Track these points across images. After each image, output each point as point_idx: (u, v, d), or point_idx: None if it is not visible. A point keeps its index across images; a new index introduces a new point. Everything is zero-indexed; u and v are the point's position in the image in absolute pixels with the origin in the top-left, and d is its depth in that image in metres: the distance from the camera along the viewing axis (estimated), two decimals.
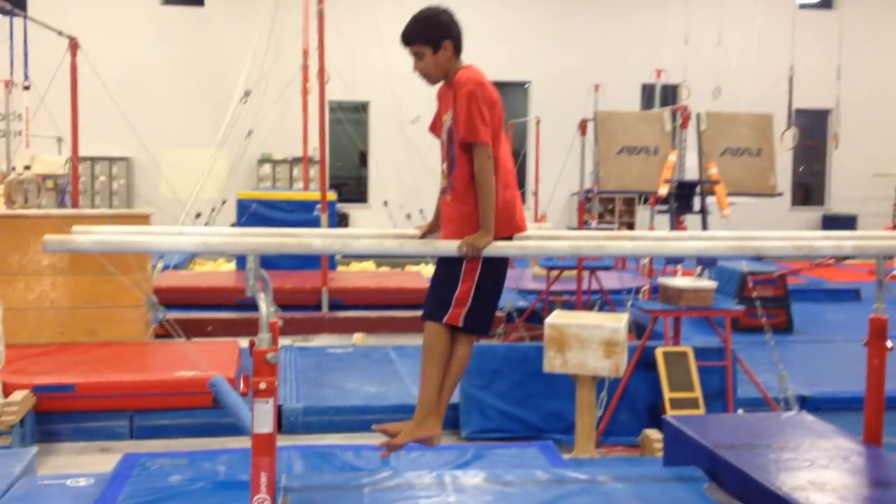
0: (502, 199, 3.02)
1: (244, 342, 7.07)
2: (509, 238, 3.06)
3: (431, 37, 3.03)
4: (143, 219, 6.97)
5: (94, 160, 15.40)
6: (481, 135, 2.94)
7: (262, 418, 2.71)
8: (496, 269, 3.08)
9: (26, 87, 7.45)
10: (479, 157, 2.95)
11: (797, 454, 3.34)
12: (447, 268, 3.07)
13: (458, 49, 3.08)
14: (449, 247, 2.91)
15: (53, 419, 5.49)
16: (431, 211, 3.21)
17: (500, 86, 17.36)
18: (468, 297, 3.03)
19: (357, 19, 14.35)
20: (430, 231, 3.21)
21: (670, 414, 4.88)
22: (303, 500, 3.05)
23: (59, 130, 11.16)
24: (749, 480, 3.09)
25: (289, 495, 3.07)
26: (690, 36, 12.40)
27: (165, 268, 10.03)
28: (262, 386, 2.70)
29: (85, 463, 5.21)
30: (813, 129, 18.03)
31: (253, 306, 8.62)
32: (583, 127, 8.69)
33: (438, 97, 3.19)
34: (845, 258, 12.04)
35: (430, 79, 3.11)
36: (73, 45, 8.00)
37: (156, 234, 2.94)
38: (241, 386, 2.73)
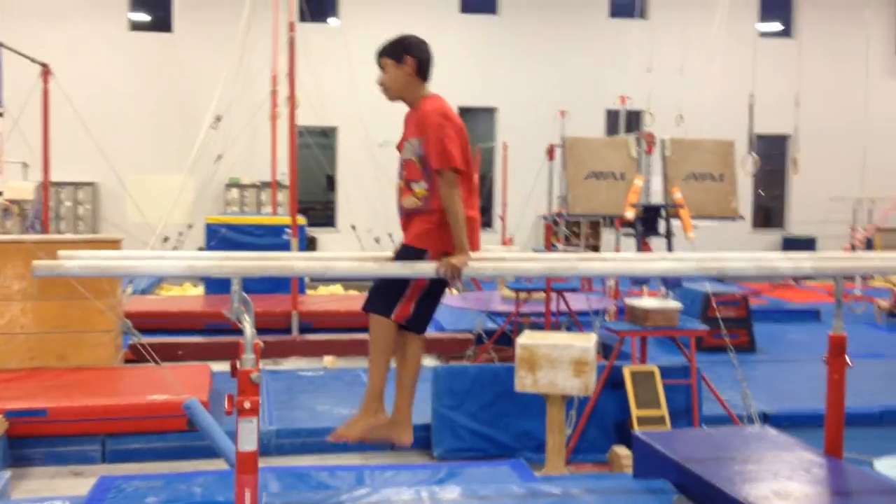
0: (467, 220, 3.18)
1: (215, 365, 7.16)
2: None
3: (396, 51, 3.27)
4: (115, 244, 6.98)
5: (59, 185, 15.32)
6: (454, 159, 3.10)
7: (247, 437, 2.78)
8: (442, 280, 3.26)
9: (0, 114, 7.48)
10: (445, 182, 3.11)
11: (761, 466, 3.46)
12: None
13: (422, 73, 3.29)
14: (427, 268, 3.02)
15: (25, 444, 5.49)
16: (400, 235, 3.35)
17: (468, 111, 17.67)
18: (415, 298, 3.23)
19: (326, 44, 14.49)
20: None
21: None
22: None
23: (25, 156, 11.13)
24: (716, 492, 3.20)
25: None
26: (654, 64, 12.66)
27: (133, 293, 10.01)
28: (247, 405, 2.77)
29: (58, 487, 5.21)
30: (772, 155, 18.41)
31: (222, 330, 8.60)
32: (550, 152, 8.85)
33: (406, 119, 3.37)
34: (805, 279, 12.31)
35: (389, 92, 3.31)
36: (46, 72, 8.03)
37: (142, 258, 3.01)
38: (226, 405, 2.79)
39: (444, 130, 3.11)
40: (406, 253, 3.18)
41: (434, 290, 3.28)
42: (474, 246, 3.24)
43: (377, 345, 3.29)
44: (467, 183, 3.22)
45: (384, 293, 3.23)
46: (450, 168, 3.10)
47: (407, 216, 3.28)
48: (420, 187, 3.22)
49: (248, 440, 2.78)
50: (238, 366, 2.84)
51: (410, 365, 3.40)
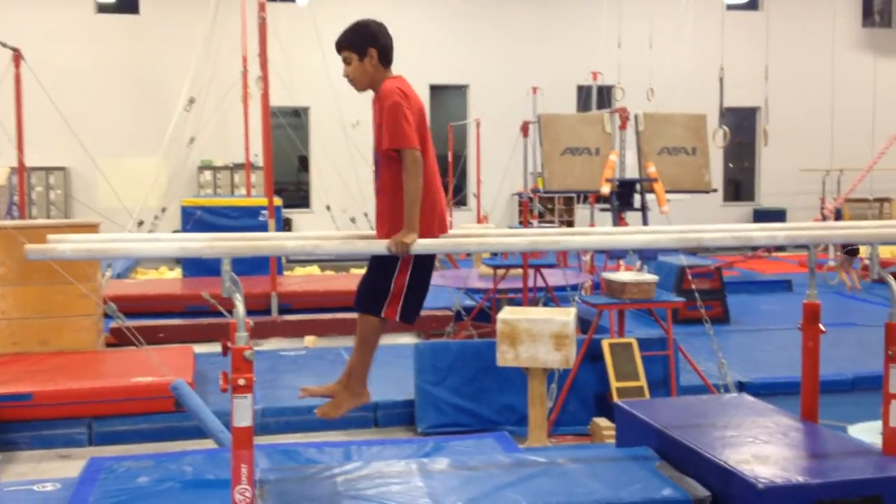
0: (431, 202, 3.20)
1: (198, 347, 7.20)
2: (435, 239, 3.25)
3: (358, 44, 3.23)
4: (93, 228, 6.98)
5: (30, 170, 15.18)
6: (408, 139, 3.10)
7: (242, 413, 2.84)
8: (425, 266, 3.32)
9: None
10: (406, 160, 3.11)
11: (740, 431, 3.57)
12: (381, 264, 3.26)
13: (384, 59, 3.26)
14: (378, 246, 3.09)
15: (12, 428, 5.52)
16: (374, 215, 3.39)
17: (440, 88, 17.69)
18: (402, 292, 3.25)
19: (295, 24, 14.41)
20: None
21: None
22: (280, 490, 3.18)
23: None
24: (698, 456, 3.31)
25: (265, 486, 3.20)
26: (623, 39, 12.74)
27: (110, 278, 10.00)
28: (241, 382, 2.83)
29: (45, 470, 5.25)
30: (742, 127, 18.60)
31: (202, 313, 8.61)
32: (525, 129, 8.92)
33: (373, 108, 3.33)
34: (778, 249, 12.51)
35: (357, 84, 3.30)
36: (17, 57, 7.96)
37: (134, 240, 3.05)
38: (221, 383, 2.85)
39: (400, 110, 3.11)
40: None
41: (419, 280, 3.29)
42: (442, 226, 3.27)
43: (367, 341, 3.36)
44: (426, 165, 3.20)
45: (372, 292, 3.28)
46: (409, 148, 3.10)
47: (377, 199, 3.32)
48: (375, 171, 3.29)
49: (244, 416, 2.84)
50: (230, 344, 2.89)
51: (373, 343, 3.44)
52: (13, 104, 8.11)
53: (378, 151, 3.23)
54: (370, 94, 3.38)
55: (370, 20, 3.30)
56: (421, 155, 3.13)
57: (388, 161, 3.19)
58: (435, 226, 3.24)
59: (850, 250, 7.68)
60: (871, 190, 15.61)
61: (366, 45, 3.22)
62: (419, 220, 3.12)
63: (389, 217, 3.20)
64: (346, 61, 3.27)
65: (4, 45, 7.95)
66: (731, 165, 19.08)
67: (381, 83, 3.23)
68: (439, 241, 3.22)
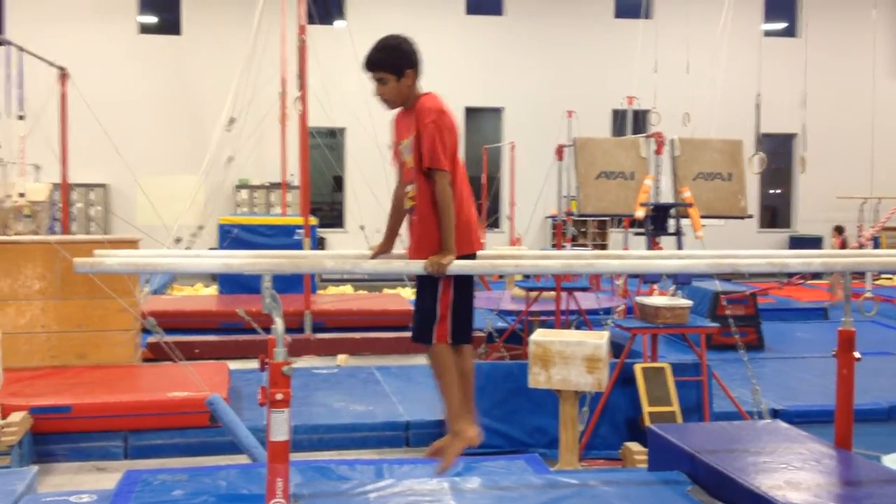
0: (466, 218, 3.21)
1: (232, 364, 7.27)
2: (471, 255, 3.26)
3: (395, 65, 3.18)
4: (133, 244, 7.11)
5: (71, 186, 15.45)
6: (441, 161, 3.12)
7: (279, 427, 2.89)
8: (466, 284, 3.29)
9: (21, 117, 7.59)
10: (439, 182, 3.12)
11: (773, 458, 3.56)
12: (424, 290, 3.26)
13: (417, 76, 3.24)
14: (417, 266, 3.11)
15: (50, 440, 5.62)
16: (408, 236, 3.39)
17: (475, 111, 17.76)
18: (448, 313, 3.22)
19: (333, 46, 14.58)
20: (382, 249, 3.38)
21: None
22: None
23: (37, 157, 11.25)
24: (729, 482, 3.30)
25: (299, 501, 3.24)
26: (659, 63, 12.76)
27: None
28: (279, 396, 2.88)
29: (82, 482, 5.32)
30: (778, 153, 18.51)
31: (237, 329, 8.70)
32: (559, 152, 8.96)
33: (396, 122, 3.34)
34: (814, 276, 12.40)
35: (390, 104, 3.27)
36: (63, 76, 8.15)
37: (178, 256, 3.12)
38: (259, 397, 2.90)
39: (440, 131, 3.12)
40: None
41: (463, 298, 3.27)
42: (476, 244, 3.27)
43: (438, 371, 3.29)
44: (457, 182, 3.21)
45: (419, 321, 3.26)
46: (442, 169, 3.12)
47: (409, 219, 3.31)
48: (412, 189, 3.25)
49: (280, 430, 2.89)
50: (269, 360, 2.94)
51: (467, 378, 3.39)
52: (58, 121, 8.27)
53: (414, 168, 3.21)
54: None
55: (400, 38, 3.24)
56: (452, 174, 3.14)
57: (423, 177, 3.19)
58: (471, 242, 3.24)
59: None
60: None
61: (403, 66, 3.19)
62: (458, 237, 3.13)
63: (419, 234, 3.21)
64: (382, 81, 3.20)
65: (52, 65, 8.14)
66: (768, 192, 18.96)
67: (414, 99, 3.23)
68: (475, 263, 3.23)
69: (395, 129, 3.34)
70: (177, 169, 15.78)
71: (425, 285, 3.25)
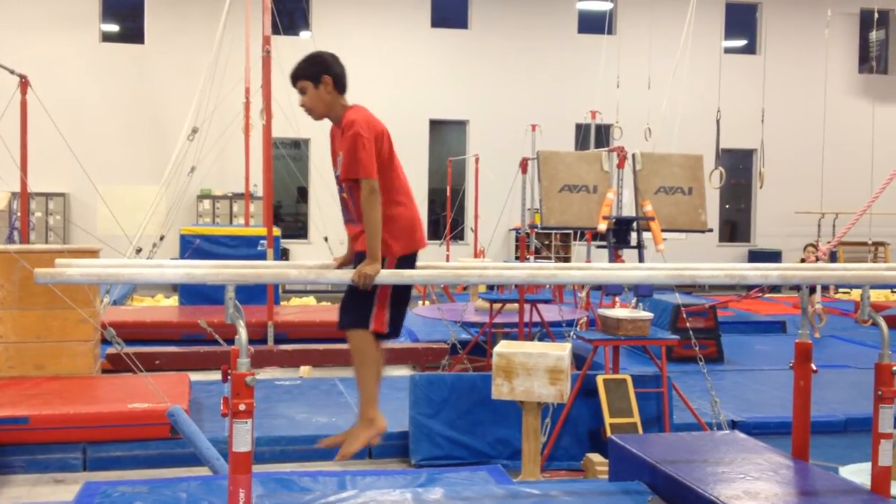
0: (403, 217, 3.29)
1: (193, 375, 7.22)
2: (413, 254, 3.33)
3: (312, 73, 3.33)
4: (93, 253, 7.04)
5: (30, 195, 15.26)
6: (360, 170, 3.19)
7: (241, 438, 2.88)
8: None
9: None
10: (363, 191, 3.20)
11: (732, 468, 3.62)
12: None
13: (339, 86, 3.35)
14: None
15: (7, 451, 5.53)
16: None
17: (439, 123, 17.81)
18: (386, 301, 3.29)
19: (298, 56, 14.54)
20: (346, 260, 3.43)
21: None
22: None
23: None
24: (689, 491, 3.35)
25: None
26: (622, 79, 12.92)
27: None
28: (242, 407, 2.87)
29: (40, 494, 5.25)
30: (738, 168, 18.78)
31: (198, 341, 8.63)
32: (523, 165, 9.02)
33: (331, 136, 3.43)
34: (773, 289, 12.58)
35: (314, 113, 3.38)
36: (24, 83, 8.07)
37: (140, 266, 3.10)
38: (222, 408, 2.89)
39: (358, 140, 3.18)
40: (360, 258, 3.25)
41: (400, 295, 3.36)
42: (419, 242, 3.34)
43: (363, 357, 3.33)
44: (395, 182, 3.30)
45: (355, 307, 3.29)
46: (366, 177, 3.18)
47: (352, 228, 3.37)
48: (344, 199, 3.36)
49: (243, 441, 2.88)
50: (231, 370, 2.94)
51: (381, 366, 3.47)
52: (18, 130, 8.18)
53: (343, 180, 3.29)
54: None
55: (322, 51, 3.41)
56: (379, 181, 3.20)
57: (355, 186, 3.25)
58: (414, 240, 3.31)
59: None
60: (869, 234, 15.73)
61: (320, 72, 3.32)
62: (400, 236, 3.21)
63: (363, 241, 3.24)
64: (302, 91, 3.35)
65: (12, 72, 8.05)
66: (727, 206, 19.22)
67: (340, 112, 3.32)
68: (405, 272, 3.25)
69: (332, 143, 3.43)
70: (139, 178, 15.66)
71: None
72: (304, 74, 3.34)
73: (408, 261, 3.31)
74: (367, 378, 3.37)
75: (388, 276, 3.16)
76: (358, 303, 3.28)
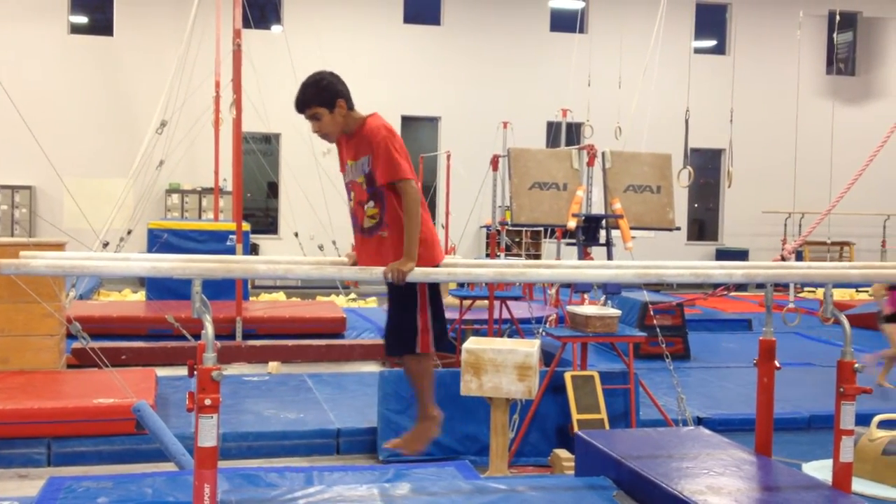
0: (428, 233, 3.31)
1: (160, 370, 7.16)
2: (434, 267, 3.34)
3: (325, 99, 3.28)
4: (59, 246, 6.94)
5: None
6: (405, 171, 3.22)
7: (207, 432, 2.87)
8: (438, 294, 3.45)
9: None
10: (408, 191, 3.22)
11: (696, 463, 3.65)
12: (402, 304, 3.38)
13: (350, 104, 3.33)
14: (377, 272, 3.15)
15: None
16: (344, 242, 3.49)
17: (411, 119, 17.77)
18: (429, 325, 3.38)
19: (269, 51, 14.50)
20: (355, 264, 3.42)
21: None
22: None
23: None
24: (653, 486, 3.38)
25: None
26: (593, 77, 12.97)
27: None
28: (207, 402, 2.86)
29: (3, 489, 5.20)
30: (707, 168, 18.92)
31: (165, 336, 8.57)
32: (494, 163, 9.04)
33: (339, 145, 3.43)
34: (739, 288, 12.70)
35: (331, 137, 3.37)
36: None
37: (106, 259, 3.08)
38: (187, 402, 2.88)
39: (393, 144, 3.20)
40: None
41: (437, 308, 3.43)
42: (438, 257, 3.34)
43: (420, 377, 3.50)
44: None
45: (400, 335, 3.41)
46: (407, 179, 3.20)
47: (368, 235, 3.33)
48: (370, 207, 3.31)
49: (209, 436, 2.87)
50: (197, 365, 2.92)
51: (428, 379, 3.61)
52: None
53: (377, 187, 3.26)
54: None
55: (322, 73, 3.35)
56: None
57: (391, 195, 3.25)
58: (434, 256, 3.33)
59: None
60: (831, 234, 15.93)
61: (334, 98, 3.28)
62: (425, 249, 3.23)
63: (389, 246, 3.26)
64: (316, 117, 3.30)
65: None
66: (695, 205, 19.38)
67: (357, 123, 3.31)
68: (433, 270, 3.28)
69: (340, 152, 3.42)
70: (106, 172, 15.50)
71: (401, 299, 3.37)
72: (317, 102, 3.28)
73: None
74: (425, 388, 3.53)
75: (418, 274, 3.19)
76: (402, 329, 3.39)
